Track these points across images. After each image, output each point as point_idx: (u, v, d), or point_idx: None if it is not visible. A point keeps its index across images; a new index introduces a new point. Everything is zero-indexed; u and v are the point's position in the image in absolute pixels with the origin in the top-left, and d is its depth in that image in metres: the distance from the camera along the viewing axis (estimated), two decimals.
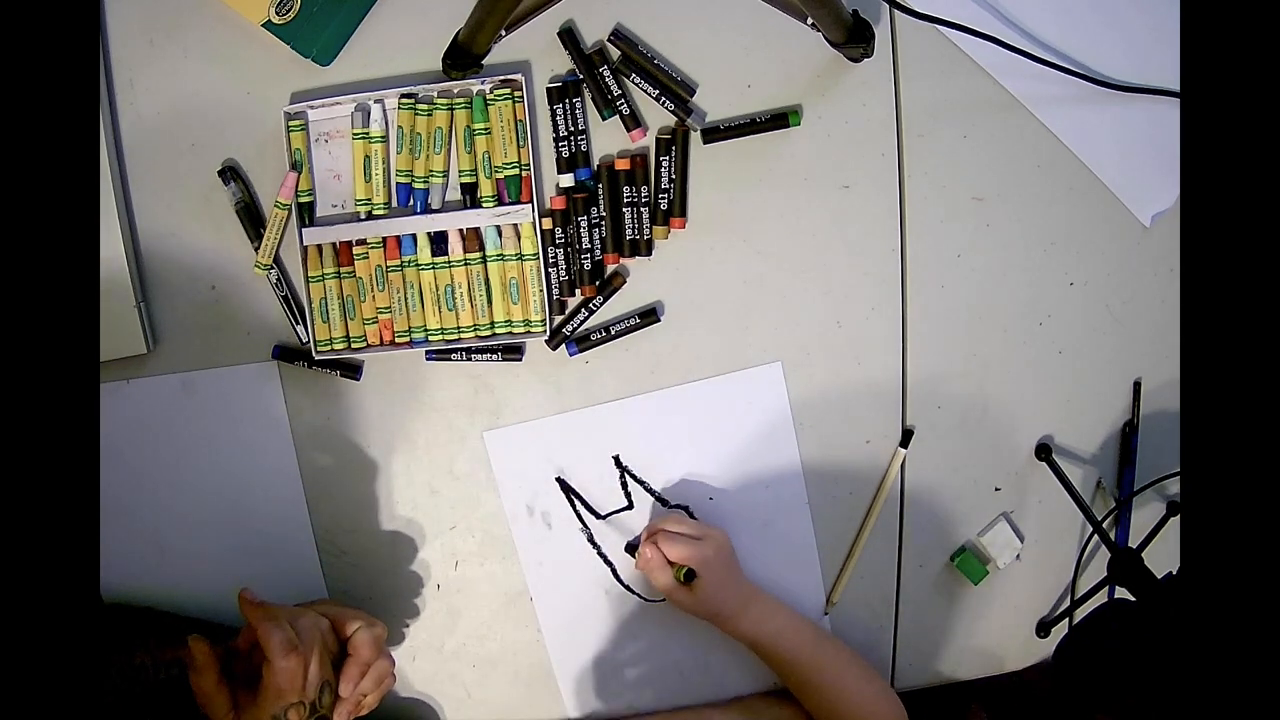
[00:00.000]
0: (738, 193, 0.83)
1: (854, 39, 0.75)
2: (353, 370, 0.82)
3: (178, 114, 0.79)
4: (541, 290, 0.81)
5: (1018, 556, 0.88)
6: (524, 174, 0.80)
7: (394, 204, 0.81)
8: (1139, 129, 0.84)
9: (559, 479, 0.84)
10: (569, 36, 0.80)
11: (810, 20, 0.72)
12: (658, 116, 0.82)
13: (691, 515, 0.84)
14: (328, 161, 0.80)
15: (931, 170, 0.84)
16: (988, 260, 0.85)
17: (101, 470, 0.77)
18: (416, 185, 0.80)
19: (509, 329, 0.82)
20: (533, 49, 0.80)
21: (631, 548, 0.84)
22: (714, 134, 0.81)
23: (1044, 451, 0.87)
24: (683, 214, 0.82)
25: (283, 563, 0.83)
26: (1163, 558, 0.80)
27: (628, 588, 0.85)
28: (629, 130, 0.80)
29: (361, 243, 0.80)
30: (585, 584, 0.85)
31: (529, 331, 0.82)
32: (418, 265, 0.80)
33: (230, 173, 0.79)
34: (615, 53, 0.80)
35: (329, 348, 0.81)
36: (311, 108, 0.79)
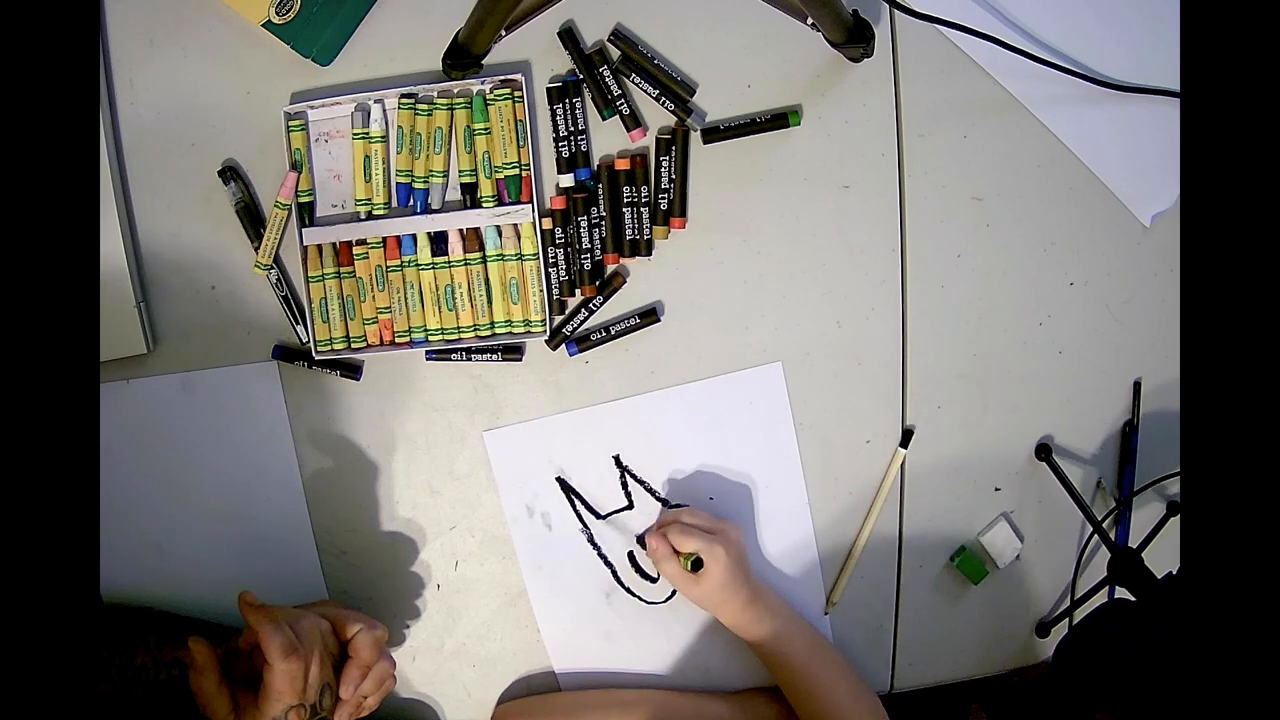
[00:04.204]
0: (738, 193, 0.83)
1: (854, 39, 0.75)
2: (353, 370, 0.82)
3: (178, 114, 0.79)
4: (541, 290, 0.81)
5: (1018, 556, 0.88)
6: (524, 174, 0.80)
7: (394, 204, 0.81)
8: (1139, 129, 0.84)
9: (559, 479, 0.84)
10: (569, 36, 0.80)
11: (810, 20, 0.72)
12: (658, 116, 0.82)
13: None
14: (328, 161, 0.80)
15: (931, 170, 0.84)
16: (988, 260, 0.85)
17: (101, 470, 0.77)
18: (416, 185, 0.80)
19: (509, 329, 0.82)
20: (533, 49, 0.80)
21: (642, 539, 0.84)
22: (714, 134, 0.81)
23: (1044, 451, 0.87)
24: (683, 214, 0.82)
25: (283, 563, 0.83)
26: (1163, 558, 0.80)
27: (628, 589, 0.85)
28: (629, 130, 0.80)
29: (361, 243, 0.80)
30: (585, 585, 0.85)
31: (529, 331, 0.82)
32: (418, 265, 0.80)
33: (230, 173, 0.79)
34: (615, 53, 0.80)
35: (329, 348, 0.81)
36: (311, 108, 0.79)
